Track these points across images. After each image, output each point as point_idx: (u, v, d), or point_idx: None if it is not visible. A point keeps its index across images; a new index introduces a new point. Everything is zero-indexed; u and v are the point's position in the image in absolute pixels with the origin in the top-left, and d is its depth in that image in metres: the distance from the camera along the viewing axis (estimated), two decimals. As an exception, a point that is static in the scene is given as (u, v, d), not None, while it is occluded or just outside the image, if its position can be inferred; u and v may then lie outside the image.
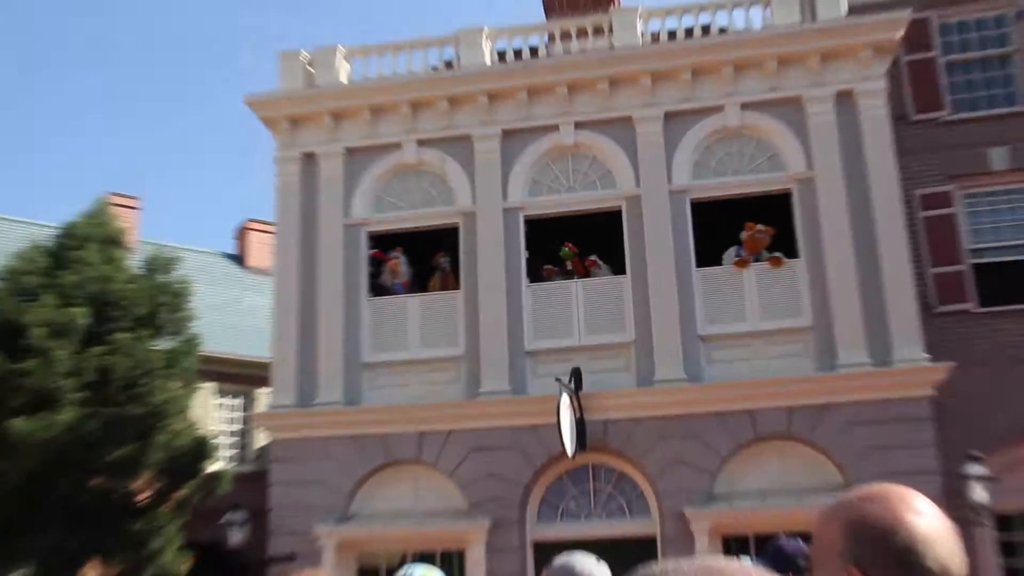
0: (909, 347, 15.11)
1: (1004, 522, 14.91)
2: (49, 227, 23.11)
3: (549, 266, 17.36)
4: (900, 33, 16.25)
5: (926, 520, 1.79)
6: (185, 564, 20.13)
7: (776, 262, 16.09)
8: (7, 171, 61.72)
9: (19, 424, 18.20)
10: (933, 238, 16.09)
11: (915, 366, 14.94)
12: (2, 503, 18.35)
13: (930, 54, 17.06)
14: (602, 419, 15.53)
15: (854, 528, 1.81)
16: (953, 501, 13.53)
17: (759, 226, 16.32)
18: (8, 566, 19.87)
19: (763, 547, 5.50)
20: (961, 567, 1.79)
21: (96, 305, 20.02)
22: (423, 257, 18.01)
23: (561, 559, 4.02)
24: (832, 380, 15.08)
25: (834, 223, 15.80)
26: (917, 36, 16.88)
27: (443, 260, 17.81)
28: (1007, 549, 14.97)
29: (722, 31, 17.36)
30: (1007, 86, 16.95)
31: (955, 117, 16.84)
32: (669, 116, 16.76)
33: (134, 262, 22.01)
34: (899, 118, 16.58)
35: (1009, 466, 14.71)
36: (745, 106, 16.55)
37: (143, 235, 28.94)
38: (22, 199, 69.01)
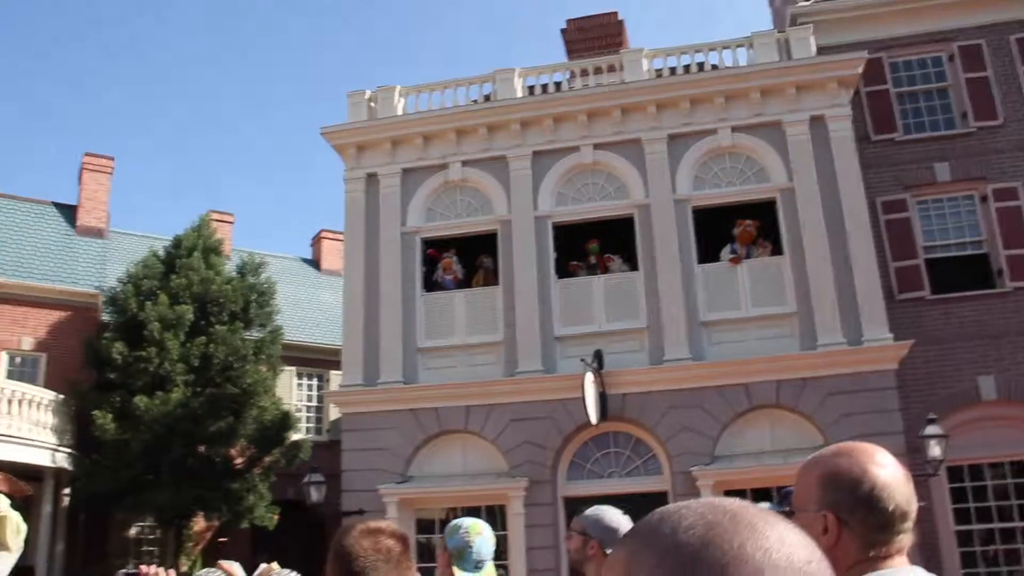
0: (876, 328, 15.17)
1: (955, 473, 14.93)
2: (163, 239, 23.56)
3: (575, 262, 17.41)
4: (860, 69, 16.40)
5: (886, 471, 1.86)
6: (274, 517, 20.52)
7: (765, 248, 16.20)
8: (128, 194, 62.81)
9: (141, 401, 18.68)
10: (892, 237, 16.14)
11: (881, 344, 15.00)
12: (129, 466, 18.84)
13: (884, 86, 17.15)
14: (620, 393, 15.62)
15: (828, 478, 1.87)
16: (914, 457, 13.67)
17: (747, 221, 16.39)
18: (134, 517, 20.47)
19: (779, 494, 5.63)
20: (913, 507, 1.86)
21: (199, 303, 20.46)
22: (467, 259, 18.08)
23: (591, 510, 4.09)
24: (813, 357, 15.13)
25: (811, 225, 15.84)
26: (873, 72, 16.93)
27: (485, 260, 17.93)
28: (958, 495, 15.01)
29: (714, 67, 17.49)
30: (946, 112, 17.05)
31: (906, 138, 16.89)
32: (672, 138, 16.85)
33: (229, 267, 22.41)
34: (861, 138, 16.67)
35: (959, 426, 14.77)
36: (735, 129, 16.64)
37: (236, 244, 29.24)
38: (141, 216, 70.15)
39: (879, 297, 15.39)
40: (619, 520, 3.98)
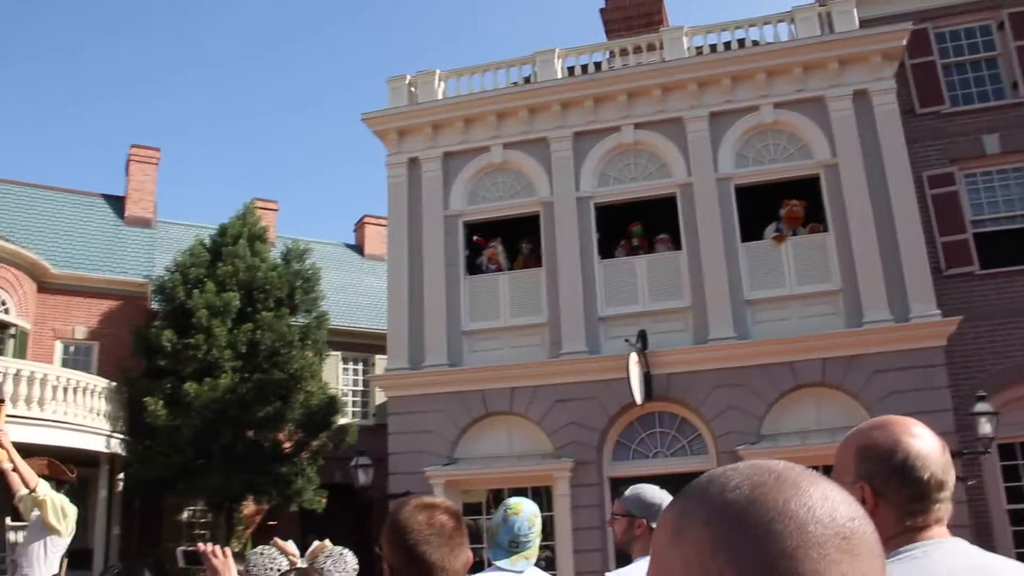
0: (923, 305, 14.96)
1: (1006, 451, 14.74)
2: (209, 228, 23.90)
3: (625, 241, 17.39)
4: (904, 41, 16.13)
5: (921, 441, 1.88)
6: (322, 501, 20.78)
7: (815, 229, 16.09)
8: (174, 186, 63.76)
9: (191, 388, 19.00)
10: (940, 212, 15.93)
11: (928, 320, 14.81)
12: (180, 451, 19.20)
13: (930, 58, 16.91)
14: (665, 373, 15.58)
15: (863, 450, 1.91)
16: (964, 435, 13.57)
17: (794, 201, 16.23)
18: (186, 501, 20.89)
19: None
20: (950, 477, 1.88)
21: (246, 290, 20.73)
22: (511, 243, 18.13)
23: (630, 490, 4.12)
24: (859, 335, 14.93)
25: (856, 201, 15.61)
26: (918, 43, 16.70)
27: (524, 246, 17.92)
28: (1009, 473, 14.83)
29: (755, 43, 17.32)
30: (995, 83, 16.76)
31: (953, 110, 16.66)
32: (714, 115, 16.72)
33: (274, 254, 22.69)
34: (907, 112, 16.41)
35: (1009, 403, 14.60)
36: (777, 105, 16.46)
37: (281, 231, 29.65)
38: (187, 205, 71.18)
39: (926, 273, 15.16)
40: (659, 496, 3.99)
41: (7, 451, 7.11)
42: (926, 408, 13.33)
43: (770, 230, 16.40)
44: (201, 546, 3.93)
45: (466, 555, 2.36)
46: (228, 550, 3.98)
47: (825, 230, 16.03)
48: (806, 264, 15.86)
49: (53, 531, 7.27)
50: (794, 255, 15.96)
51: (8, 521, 7.34)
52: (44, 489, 7.24)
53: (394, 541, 2.30)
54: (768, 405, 15.22)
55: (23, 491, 7.23)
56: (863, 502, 1.83)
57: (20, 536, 7.21)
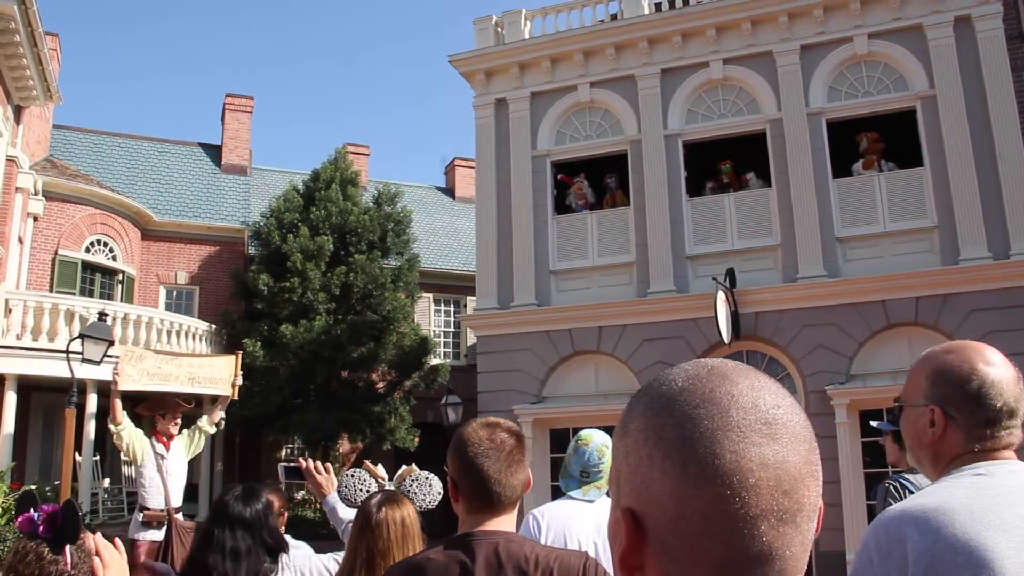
0: (1025, 241, 14.62)
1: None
2: (302, 174, 24.81)
3: (713, 180, 17.48)
4: (1014, -42, 15.57)
5: (996, 369, 1.91)
6: (414, 439, 21.56)
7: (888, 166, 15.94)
8: (269, 133, 65.50)
9: (287, 330, 19.93)
10: (1046, 143, 15.52)
11: (1030, 257, 14.45)
12: (277, 391, 20.24)
13: (1045, -25, 16.34)
14: (753, 312, 15.75)
15: (937, 374, 1.94)
16: None
17: (868, 134, 16.11)
18: (284, 439, 21.98)
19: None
20: (1021, 405, 1.91)
21: (338, 234, 21.52)
22: (597, 182, 18.33)
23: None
24: (955, 272, 14.74)
25: (955, 134, 15.28)
26: (1029, -39, 16.14)
27: (609, 180, 18.15)
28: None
29: (849, -30, 16.97)
30: (1117, 0, 15.96)
31: (1068, 33, 16.01)
32: (804, 48, 16.56)
33: (366, 198, 23.45)
34: (1014, 37, 15.83)
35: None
36: (872, 36, 16.13)
37: (372, 176, 30.44)
38: (281, 152, 73.09)
39: (1029, 207, 14.80)
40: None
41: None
42: (1024, 348, 13.16)
43: (858, 167, 16.28)
44: (303, 462, 4.38)
45: (524, 474, 2.49)
46: (329, 466, 4.41)
47: (918, 162, 15.84)
48: (900, 200, 15.68)
49: (190, 456, 8.46)
50: (887, 191, 15.80)
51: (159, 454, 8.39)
52: (205, 424, 8.58)
53: (455, 453, 2.47)
54: (858, 344, 15.19)
55: (206, 423, 8.48)
56: (932, 424, 1.94)
57: (171, 464, 8.29)
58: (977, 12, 15.69)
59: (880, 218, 15.78)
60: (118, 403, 8.18)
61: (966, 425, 1.89)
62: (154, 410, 8.41)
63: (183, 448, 8.43)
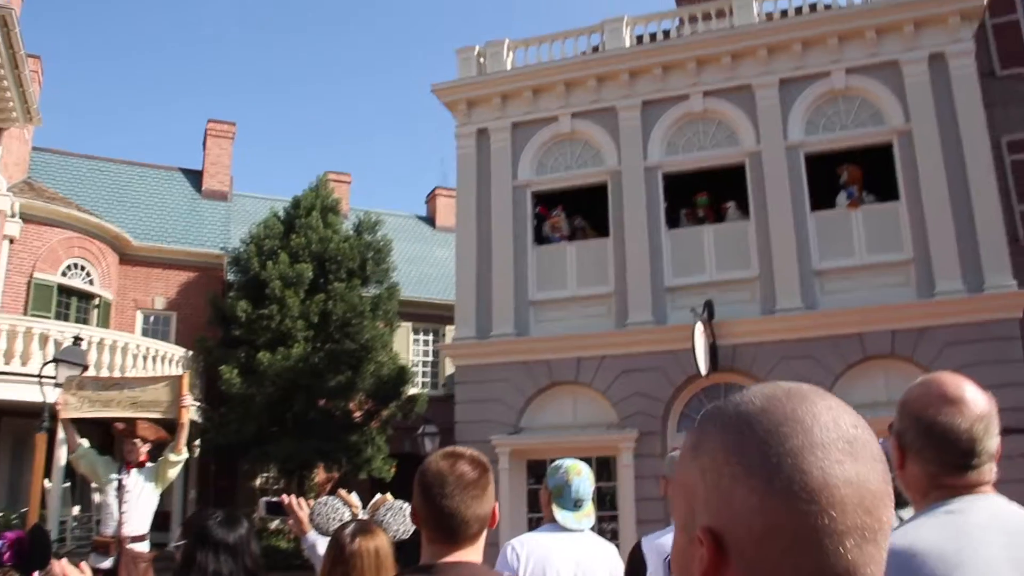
0: (998, 275, 14.73)
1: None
2: (283, 200, 24.73)
3: (688, 210, 17.51)
4: (985, 0, 15.77)
5: (958, 405, 1.87)
6: (390, 469, 21.29)
7: (871, 196, 16.05)
8: (250, 159, 65.41)
9: (264, 357, 19.76)
10: (1019, 178, 15.72)
11: (1004, 291, 14.56)
12: (254, 419, 20.02)
13: (1013, 16, 16.66)
14: (731, 344, 15.69)
15: (901, 406, 1.96)
16: None
17: (849, 165, 16.22)
18: (259, 467, 21.75)
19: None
20: (987, 444, 1.86)
21: (318, 261, 21.40)
22: (577, 213, 18.35)
23: (670, 454, 4.41)
24: (930, 306, 14.82)
25: (930, 168, 15.43)
26: (1000, 1, 16.44)
27: (576, 222, 18.21)
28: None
29: (827, 7, 17.17)
30: (1084, 42, 16.40)
31: (1038, 71, 16.40)
32: (783, 82, 16.70)
33: (347, 226, 23.34)
34: (986, 74, 16.17)
35: (1086, 374, 14.37)
36: (849, 71, 16.33)
37: (353, 203, 30.38)
38: (263, 178, 72.99)
39: (1003, 242, 14.95)
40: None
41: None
42: (999, 381, 12.82)
43: (842, 197, 16.35)
44: (285, 498, 4.31)
45: (486, 507, 2.40)
46: (311, 503, 4.31)
47: (894, 196, 15.94)
48: (877, 233, 15.78)
49: (161, 487, 8.20)
50: (864, 224, 15.90)
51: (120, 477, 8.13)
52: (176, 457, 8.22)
53: (416, 484, 2.44)
54: (835, 377, 15.15)
55: (183, 455, 8.22)
56: (895, 454, 1.93)
57: (130, 493, 8.03)
58: (950, 50, 15.93)
59: (857, 251, 15.86)
60: (69, 431, 8.05)
61: (924, 459, 1.87)
62: (125, 435, 8.23)
63: (150, 476, 8.18)
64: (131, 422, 8.22)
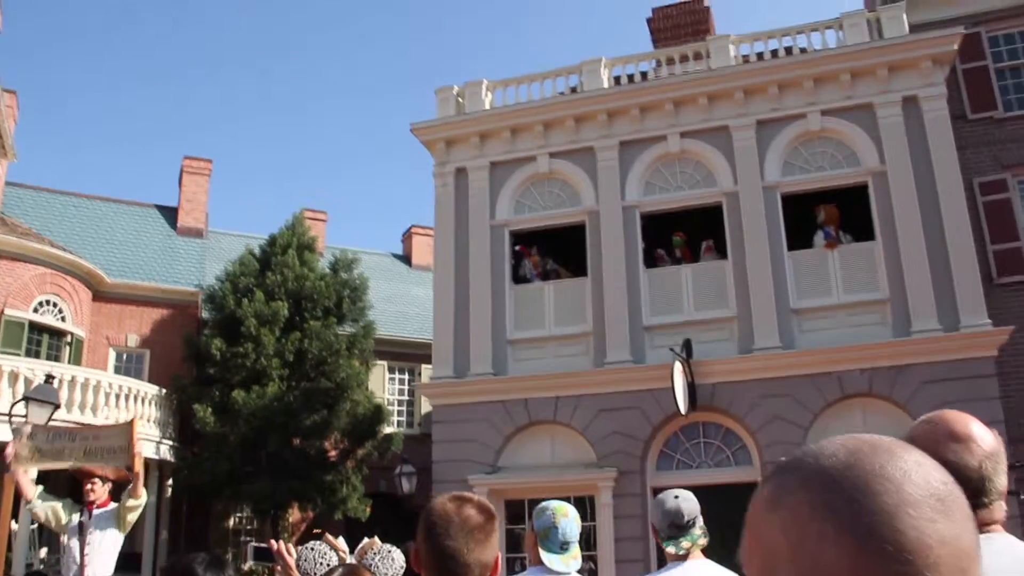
0: (974, 314, 14.88)
1: (1058, 462, 14.72)
2: (259, 238, 24.57)
3: (660, 251, 17.53)
4: (956, 46, 16.12)
5: (959, 444, 1.85)
6: (366, 509, 20.99)
7: (848, 237, 16.19)
8: (226, 197, 65.16)
9: (239, 395, 19.49)
10: (992, 219, 15.92)
11: (979, 331, 14.69)
12: (227, 458, 19.70)
13: (983, 62, 16.96)
14: (710, 383, 15.67)
15: None
16: (1016, 447, 13.41)
17: (827, 205, 16.36)
18: (233, 507, 21.39)
19: None
20: (994, 479, 1.84)
21: (294, 299, 21.22)
22: (555, 253, 18.38)
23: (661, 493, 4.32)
24: (907, 344, 14.90)
25: (905, 209, 15.62)
26: (970, 48, 16.75)
27: (549, 263, 18.22)
28: (1063, 486, 14.76)
29: (802, 51, 17.42)
30: (1050, 88, 16.81)
31: (1007, 115, 16.67)
32: (760, 124, 16.86)
33: (323, 264, 23.20)
34: (958, 117, 16.43)
35: (1061, 414, 14.52)
36: (824, 112, 16.54)
37: (329, 241, 30.31)
38: (239, 215, 72.70)
39: (977, 281, 15.11)
40: (672, 495, 4.19)
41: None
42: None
43: (819, 238, 16.46)
44: (274, 544, 4.18)
45: (491, 553, 2.39)
46: (298, 548, 4.21)
47: (870, 236, 16.08)
48: (853, 273, 15.90)
49: (123, 531, 7.89)
50: (841, 264, 16.01)
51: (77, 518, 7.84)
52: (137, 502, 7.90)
53: (421, 525, 2.40)
54: (814, 415, 15.21)
55: (141, 498, 7.91)
56: None
57: (92, 535, 7.75)
58: (923, 93, 16.20)
59: (834, 291, 15.94)
60: (22, 482, 7.80)
61: None
62: (82, 476, 7.99)
63: (112, 517, 7.93)
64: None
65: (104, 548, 7.69)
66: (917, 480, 0.84)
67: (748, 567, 0.91)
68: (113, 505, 7.90)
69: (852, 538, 0.81)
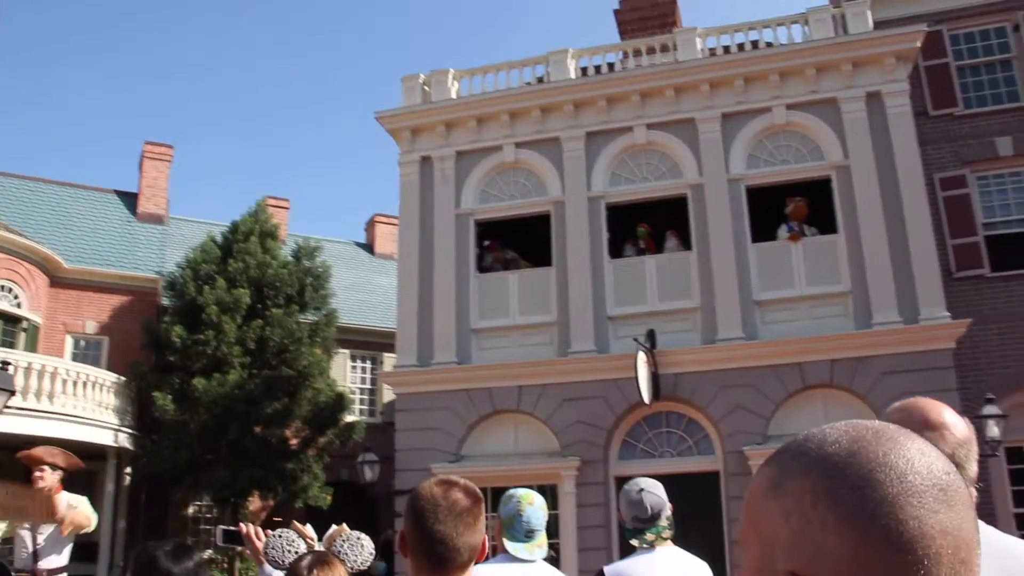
0: (933, 307, 15.07)
1: (1014, 454, 14.93)
2: (220, 225, 24.29)
3: (630, 240, 17.56)
4: (918, 43, 16.28)
5: (936, 430, 1.89)
6: (327, 497, 20.91)
7: (813, 231, 16.33)
8: (187, 183, 64.40)
9: (199, 383, 19.27)
10: (951, 214, 16.17)
11: (938, 323, 14.91)
12: (187, 446, 19.49)
13: (944, 60, 17.21)
14: (673, 372, 15.74)
15: None
16: None
17: (798, 198, 16.47)
18: (192, 495, 21.16)
19: None
20: (965, 465, 1.88)
21: (256, 287, 21.00)
22: (522, 238, 18.37)
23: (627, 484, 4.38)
24: (868, 336, 15.06)
25: (867, 203, 15.77)
26: (933, 45, 16.98)
27: (508, 254, 18.22)
28: (1017, 476, 14.97)
29: (768, 45, 17.50)
30: (1009, 85, 17.03)
31: (967, 112, 16.92)
32: (726, 117, 16.91)
33: (285, 251, 23.00)
34: (919, 114, 16.64)
35: (1017, 406, 14.76)
36: (790, 106, 16.63)
37: (292, 229, 30.02)
38: (199, 202, 71.88)
39: (936, 275, 15.31)
40: (645, 482, 4.28)
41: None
42: (934, 410, 13.39)
43: (783, 231, 16.57)
44: (243, 527, 4.15)
45: (477, 537, 2.39)
46: (268, 532, 4.22)
47: (832, 229, 16.23)
48: (816, 266, 16.02)
49: (82, 529, 7.63)
50: (804, 257, 16.13)
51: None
52: (73, 501, 7.55)
53: (407, 508, 2.41)
54: (775, 406, 15.37)
55: (90, 527, 7.66)
56: None
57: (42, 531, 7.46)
58: (886, 89, 16.35)
59: (797, 283, 16.05)
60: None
61: None
62: (31, 463, 7.77)
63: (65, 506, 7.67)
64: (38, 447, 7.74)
65: (57, 537, 7.47)
66: (920, 469, 0.85)
67: (746, 552, 0.91)
68: (66, 494, 7.64)
69: (854, 527, 0.82)
